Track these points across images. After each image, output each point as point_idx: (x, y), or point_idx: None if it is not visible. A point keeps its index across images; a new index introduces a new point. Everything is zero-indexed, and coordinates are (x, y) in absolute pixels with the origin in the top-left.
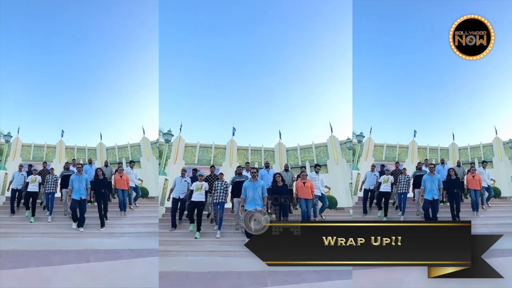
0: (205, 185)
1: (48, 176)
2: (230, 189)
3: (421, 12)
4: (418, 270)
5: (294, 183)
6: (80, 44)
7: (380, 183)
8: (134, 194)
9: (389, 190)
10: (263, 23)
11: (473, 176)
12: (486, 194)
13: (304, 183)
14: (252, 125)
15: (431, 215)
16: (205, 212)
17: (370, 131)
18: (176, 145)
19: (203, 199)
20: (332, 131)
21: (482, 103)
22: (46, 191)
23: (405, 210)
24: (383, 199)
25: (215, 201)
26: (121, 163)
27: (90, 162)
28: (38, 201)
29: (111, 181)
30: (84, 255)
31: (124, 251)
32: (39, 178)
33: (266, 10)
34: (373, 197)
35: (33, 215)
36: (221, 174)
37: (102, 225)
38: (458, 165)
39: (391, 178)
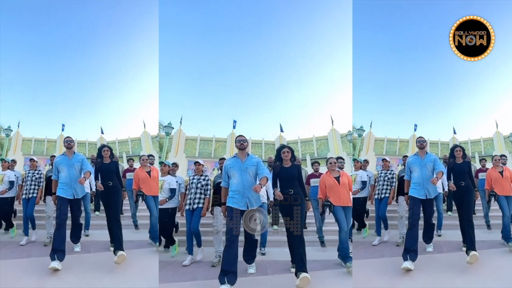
0: (169, 181)
1: (27, 172)
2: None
3: (421, 11)
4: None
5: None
6: (80, 38)
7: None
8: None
9: (364, 195)
10: (263, 17)
11: (501, 173)
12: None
13: (337, 178)
14: (252, 118)
15: (423, 228)
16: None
17: (371, 125)
18: (176, 138)
19: (171, 205)
20: (333, 124)
21: (483, 97)
22: (23, 196)
23: (387, 226)
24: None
25: (187, 207)
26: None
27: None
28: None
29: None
30: (84, 246)
31: (124, 241)
32: (9, 174)
33: (267, 4)
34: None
35: (9, 227)
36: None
37: (117, 248)
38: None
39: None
